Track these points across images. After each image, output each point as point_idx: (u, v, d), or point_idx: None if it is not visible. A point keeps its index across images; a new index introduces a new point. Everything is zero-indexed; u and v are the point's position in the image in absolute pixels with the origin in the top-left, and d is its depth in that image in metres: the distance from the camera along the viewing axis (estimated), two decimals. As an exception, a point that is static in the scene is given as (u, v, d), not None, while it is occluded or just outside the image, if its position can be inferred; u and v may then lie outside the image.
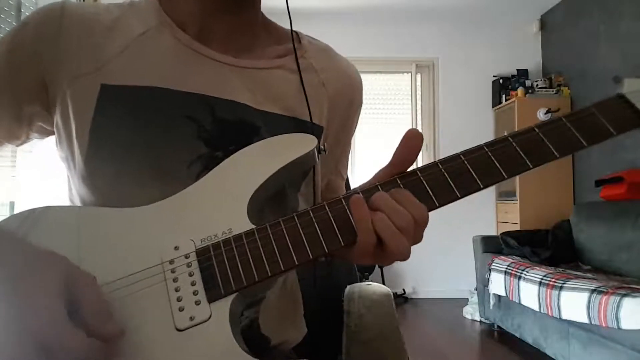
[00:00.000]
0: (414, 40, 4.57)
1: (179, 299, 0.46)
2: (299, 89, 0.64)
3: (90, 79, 0.57)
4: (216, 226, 0.50)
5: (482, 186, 0.50)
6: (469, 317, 3.61)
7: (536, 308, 2.58)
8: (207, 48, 0.61)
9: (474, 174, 0.50)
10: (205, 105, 0.59)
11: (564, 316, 2.35)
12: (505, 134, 0.52)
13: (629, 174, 3.10)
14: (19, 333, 0.38)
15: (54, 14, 0.59)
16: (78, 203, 0.60)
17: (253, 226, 0.50)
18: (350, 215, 0.48)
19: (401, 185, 0.50)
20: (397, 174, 0.51)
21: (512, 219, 3.98)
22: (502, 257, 3.11)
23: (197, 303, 0.46)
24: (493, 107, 4.48)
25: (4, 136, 0.63)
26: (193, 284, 0.47)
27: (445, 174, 0.50)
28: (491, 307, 3.16)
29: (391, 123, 4.58)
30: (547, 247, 3.26)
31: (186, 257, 0.48)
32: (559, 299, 2.38)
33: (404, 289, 4.40)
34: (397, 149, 0.52)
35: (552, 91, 4.10)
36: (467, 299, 3.77)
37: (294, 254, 0.48)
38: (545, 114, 3.85)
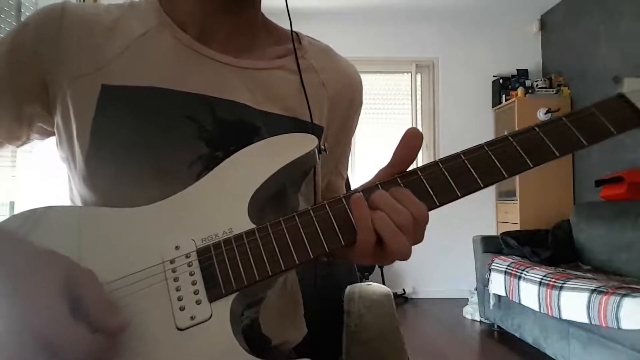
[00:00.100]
0: (414, 40, 4.58)
1: (179, 299, 0.46)
2: (299, 89, 0.64)
3: (90, 79, 0.57)
4: (217, 226, 0.50)
5: (482, 185, 0.50)
6: (469, 317, 3.61)
7: (536, 308, 2.58)
8: (208, 48, 0.62)
9: (474, 173, 0.50)
10: (205, 106, 0.59)
11: (564, 316, 2.35)
12: (506, 133, 0.52)
13: (629, 174, 3.11)
14: (22, 333, 0.38)
15: (55, 14, 0.59)
16: (79, 203, 0.60)
17: (254, 226, 0.50)
18: (350, 215, 0.49)
19: (401, 185, 0.50)
20: (397, 174, 0.51)
21: (512, 219, 3.98)
22: (502, 257, 3.11)
23: (198, 302, 0.46)
24: (493, 107, 4.48)
25: (5, 137, 0.63)
26: (194, 283, 0.47)
27: (445, 173, 0.50)
28: (491, 307, 3.16)
29: (391, 123, 4.58)
30: (547, 247, 3.26)
31: (187, 256, 0.49)
32: (559, 299, 2.38)
33: (404, 289, 4.40)
34: (397, 148, 0.52)
35: (552, 91, 4.10)
36: (467, 299, 3.77)
37: (294, 254, 0.48)
38: (545, 114, 3.85)
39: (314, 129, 0.63)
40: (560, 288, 2.39)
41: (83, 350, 0.38)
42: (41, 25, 0.59)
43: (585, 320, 2.20)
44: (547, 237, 3.37)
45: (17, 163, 1.82)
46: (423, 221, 0.48)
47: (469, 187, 0.50)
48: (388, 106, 4.63)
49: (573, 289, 2.32)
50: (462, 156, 0.51)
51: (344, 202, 0.50)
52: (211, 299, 0.46)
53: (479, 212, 4.26)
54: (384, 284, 2.63)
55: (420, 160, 4.18)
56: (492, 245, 3.32)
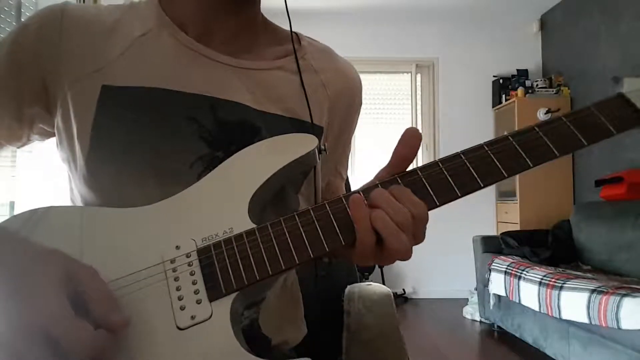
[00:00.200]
0: (414, 40, 4.58)
1: (180, 298, 0.46)
2: (300, 89, 0.65)
3: (91, 80, 0.57)
4: (217, 225, 0.50)
5: (482, 185, 0.50)
6: (469, 317, 3.61)
7: (536, 308, 2.58)
8: (208, 49, 0.62)
9: (474, 172, 0.50)
10: (206, 106, 0.59)
11: (564, 316, 2.35)
12: (505, 133, 0.52)
13: (629, 174, 3.11)
14: (25, 330, 0.38)
15: (55, 15, 0.59)
16: (79, 203, 0.61)
17: (254, 225, 0.50)
18: (350, 214, 0.49)
19: (401, 184, 0.50)
20: (397, 174, 0.51)
21: (512, 219, 3.98)
22: (502, 257, 3.11)
23: (198, 302, 0.46)
24: (493, 107, 4.48)
25: (5, 138, 0.63)
26: (194, 283, 0.47)
27: (445, 172, 0.50)
28: (491, 307, 3.16)
29: (391, 123, 4.58)
30: (547, 247, 3.26)
31: (187, 256, 0.49)
32: (559, 299, 2.38)
33: (404, 289, 4.40)
34: (396, 148, 0.52)
35: (552, 91, 4.10)
36: (467, 299, 3.77)
37: (294, 253, 0.48)
38: (545, 114, 3.85)
39: (314, 130, 0.63)
40: (560, 288, 2.39)
41: (86, 345, 0.38)
42: (41, 27, 0.59)
43: (585, 320, 2.20)
44: (547, 237, 3.37)
45: (17, 163, 1.82)
46: (422, 220, 0.48)
47: (468, 187, 0.50)
48: (388, 106, 4.63)
49: (573, 289, 2.32)
50: (462, 156, 0.51)
51: (344, 202, 0.50)
52: (211, 299, 0.46)
53: (479, 212, 4.26)
54: (384, 284, 2.63)
55: (420, 161, 4.18)
56: (492, 245, 3.32)
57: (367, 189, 0.50)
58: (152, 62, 0.59)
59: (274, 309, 0.65)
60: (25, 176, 1.85)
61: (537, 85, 4.18)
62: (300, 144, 0.55)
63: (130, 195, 0.55)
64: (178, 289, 0.47)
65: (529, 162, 0.50)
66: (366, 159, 4.39)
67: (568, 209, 3.65)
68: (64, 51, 0.58)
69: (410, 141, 0.51)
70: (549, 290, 2.46)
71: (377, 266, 4.12)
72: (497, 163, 0.50)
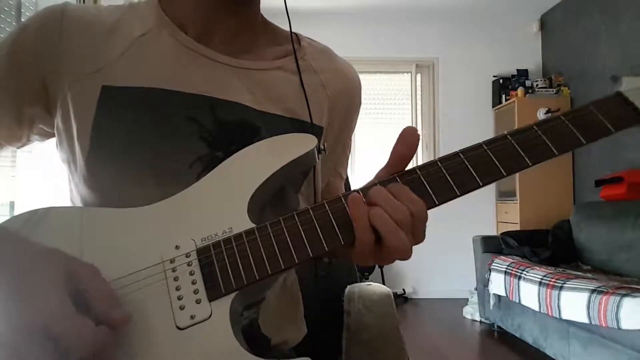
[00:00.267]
0: (414, 40, 4.58)
1: (179, 298, 0.47)
2: (299, 90, 0.65)
3: (91, 80, 0.57)
4: (217, 225, 0.50)
5: (481, 184, 0.50)
6: (469, 317, 3.61)
7: (536, 308, 2.58)
8: (207, 49, 0.62)
9: (473, 171, 0.50)
10: (206, 106, 0.59)
11: (564, 316, 2.35)
12: (504, 132, 0.53)
13: (628, 174, 3.11)
14: (27, 330, 0.38)
15: (55, 16, 0.59)
16: (79, 204, 0.61)
17: (253, 225, 0.50)
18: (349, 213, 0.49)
19: (400, 183, 0.50)
20: (396, 173, 0.51)
21: (512, 219, 3.98)
22: (502, 257, 3.11)
23: (198, 302, 0.46)
24: (493, 107, 4.48)
25: (5, 138, 0.63)
26: (194, 282, 0.47)
27: (444, 171, 0.50)
28: (491, 307, 3.16)
29: (391, 123, 4.58)
30: (547, 247, 3.26)
31: (187, 256, 0.49)
32: (559, 299, 2.38)
33: (404, 289, 4.40)
34: (394, 147, 0.52)
35: (552, 91, 4.10)
36: (467, 299, 3.77)
37: (294, 253, 0.48)
38: (545, 114, 3.85)
39: (314, 130, 0.63)
40: (560, 288, 2.39)
41: (88, 342, 0.38)
42: (41, 27, 0.59)
43: (585, 320, 2.20)
44: (547, 237, 3.37)
45: (17, 163, 1.82)
46: (421, 218, 0.48)
47: (467, 186, 0.50)
48: (388, 106, 4.63)
49: (573, 289, 2.32)
50: (461, 155, 0.51)
51: (343, 201, 0.50)
52: (211, 298, 0.46)
53: (479, 212, 4.26)
54: (384, 284, 2.63)
55: (420, 160, 4.18)
56: (492, 245, 3.32)
57: (366, 188, 0.50)
58: (152, 63, 0.59)
59: (273, 309, 0.65)
60: (25, 176, 1.85)
61: (537, 85, 4.18)
62: (299, 144, 0.55)
63: (130, 195, 0.55)
64: (177, 288, 0.47)
65: (528, 161, 0.50)
66: (366, 159, 4.39)
67: (568, 209, 3.65)
68: (63, 51, 0.58)
69: (408, 140, 0.51)
70: (549, 290, 2.46)
71: (377, 266, 4.12)
72: (496, 162, 0.50)
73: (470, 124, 4.39)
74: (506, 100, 4.27)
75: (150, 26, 0.61)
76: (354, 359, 0.75)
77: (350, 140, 0.76)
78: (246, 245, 0.49)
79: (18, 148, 0.67)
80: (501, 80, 4.40)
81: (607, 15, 3.59)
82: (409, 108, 4.58)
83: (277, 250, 0.48)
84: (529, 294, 2.64)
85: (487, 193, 4.27)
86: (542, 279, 2.56)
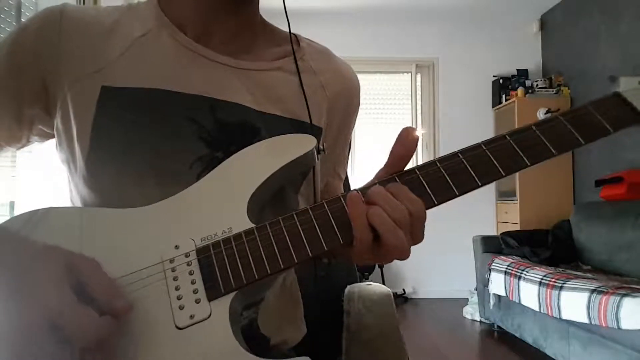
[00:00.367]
0: (414, 40, 4.58)
1: (179, 298, 0.47)
2: (299, 90, 0.65)
3: (90, 81, 0.57)
4: (216, 225, 0.51)
5: (480, 184, 0.50)
6: (469, 317, 3.61)
7: (536, 308, 2.58)
8: (207, 49, 0.62)
9: (471, 171, 0.50)
10: (205, 107, 0.59)
11: (564, 316, 2.35)
12: (503, 132, 0.53)
13: (628, 174, 3.11)
14: (32, 325, 0.38)
15: (54, 17, 0.59)
16: (79, 204, 0.61)
17: (253, 225, 0.50)
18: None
19: (399, 183, 0.50)
20: (395, 173, 0.51)
21: (512, 219, 3.98)
22: (502, 257, 3.11)
23: (197, 301, 0.46)
24: (493, 107, 4.48)
25: (5, 139, 0.63)
26: (193, 282, 0.47)
27: (443, 171, 0.50)
28: (491, 307, 3.16)
29: (391, 123, 4.58)
30: (547, 247, 3.26)
31: (186, 255, 0.49)
32: (559, 299, 2.38)
33: (404, 289, 4.40)
34: (393, 147, 0.52)
35: (552, 91, 4.10)
36: (467, 299, 3.77)
37: (293, 252, 0.48)
38: (545, 114, 3.85)
39: (313, 130, 0.63)
40: (560, 288, 2.39)
41: (92, 331, 0.39)
42: (41, 27, 0.59)
43: (585, 320, 2.20)
44: (547, 237, 3.37)
45: (17, 163, 1.82)
46: (420, 217, 0.48)
47: (466, 186, 0.50)
48: (388, 106, 4.63)
49: (573, 289, 2.32)
50: (460, 155, 0.51)
51: (342, 201, 0.50)
52: (210, 298, 0.47)
53: (479, 212, 4.26)
54: (384, 284, 2.63)
55: (420, 161, 4.18)
56: (492, 245, 3.32)
57: (365, 188, 0.50)
58: (151, 63, 0.59)
59: (273, 309, 0.65)
60: (25, 176, 1.85)
61: (537, 85, 4.18)
62: (298, 144, 0.56)
63: (130, 195, 0.55)
64: (177, 288, 0.47)
65: (527, 161, 0.50)
66: (366, 159, 4.39)
67: (568, 209, 3.65)
68: (63, 52, 0.58)
69: (406, 141, 0.51)
70: (549, 290, 2.46)
71: (377, 266, 4.12)
72: (495, 162, 0.50)
73: (470, 124, 4.39)
74: (506, 100, 4.27)
75: (149, 27, 0.62)
76: (353, 359, 0.75)
77: (349, 140, 0.76)
78: (245, 245, 0.49)
79: (17, 149, 0.67)
80: (501, 80, 4.40)
81: (607, 15, 3.59)
82: (409, 108, 4.58)
83: (276, 250, 0.48)
84: (529, 294, 2.64)
85: (487, 193, 4.27)
86: (542, 279, 2.56)
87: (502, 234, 3.41)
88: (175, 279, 0.48)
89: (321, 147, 0.61)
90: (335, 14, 4.44)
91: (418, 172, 0.51)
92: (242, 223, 0.51)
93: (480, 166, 0.50)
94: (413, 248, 0.49)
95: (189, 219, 0.51)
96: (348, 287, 0.87)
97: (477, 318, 3.50)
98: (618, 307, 2.02)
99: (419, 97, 4.62)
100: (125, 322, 0.44)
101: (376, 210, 0.46)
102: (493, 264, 3.11)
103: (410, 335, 3.15)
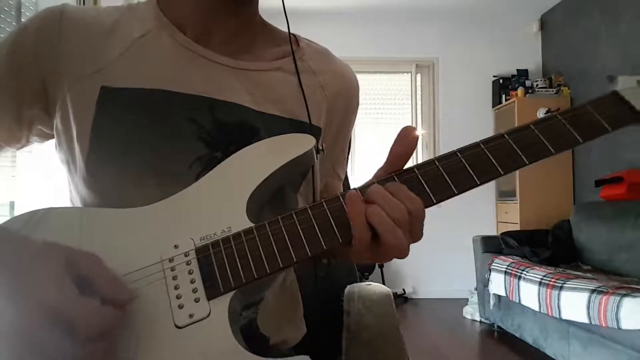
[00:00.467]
0: (414, 40, 4.58)
1: (178, 297, 0.47)
2: (298, 90, 0.65)
3: (90, 81, 0.57)
4: (215, 225, 0.51)
5: (478, 183, 0.50)
6: (469, 317, 3.61)
7: (536, 308, 2.58)
8: (206, 49, 0.62)
9: (470, 170, 0.50)
10: (204, 107, 0.59)
11: (564, 316, 2.35)
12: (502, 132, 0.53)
13: (628, 174, 3.11)
14: (34, 320, 0.38)
15: (54, 17, 0.59)
16: (79, 204, 0.61)
17: (252, 224, 0.50)
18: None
19: (398, 182, 0.50)
20: (394, 172, 0.51)
21: (512, 219, 3.98)
22: (502, 257, 3.11)
23: (197, 300, 0.46)
24: (493, 107, 4.48)
25: (4, 139, 0.63)
26: (192, 281, 0.47)
27: (442, 170, 0.50)
28: (491, 307, 3.16)
29: (391, 123, 4.59)
30: (547, 247, 3.26)
31: (185, 255, 0.49)
32: (559, 299, 2.38)
33: (404, 289, 4.40)
34: (393, 146, 0.52)
35: (552, 91, 4.10)
36: (467, 299, 3.77)
37: (292, 252, 0.48)
38: (545, 114, 3.85)
39: (312, 130, 0.63)
40: (560, 288, 2.39)
41: (97, 322, 0.39)
42: (41, 27, 0.59)
43: (585, 320, 2.20)
44: (547, 237, 3.37)
45: (17, 163, 1.82)
46: (419, 216, 0.48)
47: (465, 185, 0.50)
48: (388, 106, 4.63)
49: (573, 289, 2.32)
50: (459, 154, 0.51)
51: (341, 200, 0.50)
52: (209, 297, 0.47)
53: (479, 212, 4.26)
54: (384, 284, 2.63)
55: (420, 161, 4.18)
56: (492, 245, 3.32)
57: (364, 187, 0.51)
58: (151, 63, 0.60)
59: (272, 309, 0.65)
60: (25, 176, 1.85)
61: (537, 85, 4.18)
62: (298, 144, 0.56)
63: (129, 195, 0.55)
64: (176, 287, 0.47)
65: (525, 160, 0.50)
66: (366, 159, 4.39)
67: (568, 209, 3.65)
68: (63, 52, 0.58)
69: (406, 140, 0.51)
70: (549, 290, 2.46)
71: (377, 266, 4.12)
72: (493, 161, 0.50)
73: (470, 124, 4.39)
74: (506, 100, 4.27)
75: (149, 27, 0.62)
76: (353, 359, 0.75)
77: (348, 141, 0.76)
78: (245, 244, 0.49)
79: (17, 149, 0.67)
80: (501, 80, 4.40)
81: (607, 15, 3.60)
82: (409, 108, 4.58)
83: (275, 249, 0.48)
84: (529, 294, 2.64)
85: (487, 193, 4.28)
86: (542, 279, 2.56)
87: (502, 234, 3.41)
88: (174, 278, 0.48)
89: (320, 147, 0.62)
90: (335, 14, 4.44)
91: (417, 171, 0.51)
92: (242, 222, 0.51)
93: (478, 165, 0.50)
94: (413, 248, 0.49)
95: (189, 219, 0.52)
96: (348, 287, 0.87)
97: (477, 318, 3.50)
98: (618, 307, 2.02)
99: (419, 97, 4.62)
100: (126, 319, 0.44)
101: (375, 210, 0.47)
102: (493, 264, 3.11)
103: (410, 335, 3.15)
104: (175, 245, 0.49)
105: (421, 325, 3.56)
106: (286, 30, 0.70)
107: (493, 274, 3.07)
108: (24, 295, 0.39)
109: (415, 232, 0.48)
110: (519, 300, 2.76)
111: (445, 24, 4.56)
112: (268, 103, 0.63)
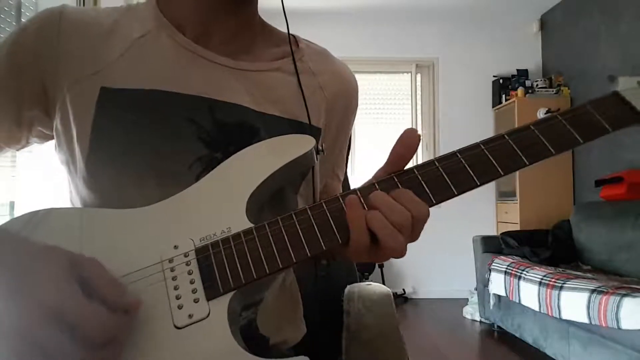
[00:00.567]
0: (414, 40, 4.58)
1: (177, 297, 0.47)
2: (297, 91, 0.65)
3: (90, 82, 0.57)
4: (215, 225, 0.51)
5: (478, 183, 0.50)
6: (469, 317, 3.61)
7: (536, 308, 2.58)
8: (206, 50, 0.62)
9: (470, 171, 0.50)
10: (204, 107, 0.59)
11: (564, 316, 2.35)
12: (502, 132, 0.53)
13: (628, 174, 3.11)
14: (40, 319, 0.38)
15: (53, 18, 0.59)
16: (79, 205, 0.61)
17: (251, 225, 0.50)
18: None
19: (398, 183, 0.50)
20: (394, 173, 0.51)
21: (512, 219, 3.98)
22: (502, 257, 3.11)
23: (196, 301, 0.46)
24: (493, 107, 4.48)
25: (4, 140, 0.63)
26: (192, 282, 0.47)
27: (441, 171, 0.50)
28: (491, 307, 3.16)
29: (391, 123, 4.58)
30: (547, 247, 3.26)
31: (185, 255, 0.49)
32: (559, 299, 2.38)
33: (404, 289, 4.40)
34: (394, 147, 0.52)
35: (552, 91, 4.10)
36: (467, 299, 3.77)
37: (292, 252, 0.48)
38: (545, 114, 3.85)
39: (312, 131, 0.64)
40: (560, 288, 2.39)
41: (102, 326, 0.39)
42: (40, 28, 0.59)
43: (585, 320, 2.20)
44: (547, 237, 3.37)
45: (17, 163, 1.82)
46: (423, 219, 0.48)
47: (465, 185, 0.50)
48: (388, 106, 4.63)
49: (573, 289, 2.32)
50: (458, 155, 0.51)
51: (341, 201, 0.50)
52: (209, 298, 0.47)
53: (479, 212, 4.26)
54: (384, 284, 2.63)
55: (420, 161, 4.18)
56: (492, 245, 3.32)
57: (364, 188, 0.51)
58: (151, 64, 0.60)
59: (272, 309, 0.65)
60: (25, 176, 1.85)
61: (537, 85, 4.18)
62: (297, 145, 0.56)
63: (130, 196, 0.55)
64: (176, 288, 0.47)
65: (525, 160, 0.50)
66: (366, 159, 4.39)
67: (568, 209, 3.65)
68: (62, 53, 0.58)
69: (408, 141, 0.51)
70: (549, 290, 2.46)
71: (377, 266, 4.12)
72: (494, 161, 0.50)
73: (470, 124, 4.39)
74: (506, 100, 4.27)
75: (148, 28, 0.62)
76: (353, 359, 0.75)
77: (348, 141, 0.76)
78: (244, 244, 0.49)
79: (17, 150, 0.67)
80: (501, 80, 4.40)
81: (607, 15, 3.59)
82: (408, 108, 4.58)
83: (275, 250, 0.48)
84: (529, 294, 2.64)
85: (487, 193, 4.28)
86: (542, 279, 2.56)
87: (502, 234, 3.41)
88: (174, 278, 0.48)
89: (320, 147, 0.61)
90: (335, 14, 4.44)
91: (417, 172, 0.51)
92: (241, 223, 0.51)
93: (478, 165, 0.50)
94: (413, 248, 0.49)
95: (188, 219, 0.52)
96: (348, 287, 0.87)
97: (477, 318, 3.50)
98: (618, 307, 2.02)
99: (419, 97, 4.62)
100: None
101: (376, 215, 0.47)
102: (493, 264, 3.11)
103: (410, 335, 3.15)
104: (175, 246, 0.49)
105: (421, 325, 3.56)
106: (285, 31, 0.70)
107: (493, 274, 3.07)
108: (25, 296, 0.39)
109: (414, 235, 0.49)
110: (519, 300, 2.76)
111: (445, 24, 4.56)
112: (268, 103, 0.63)
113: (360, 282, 0.92)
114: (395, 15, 4.49)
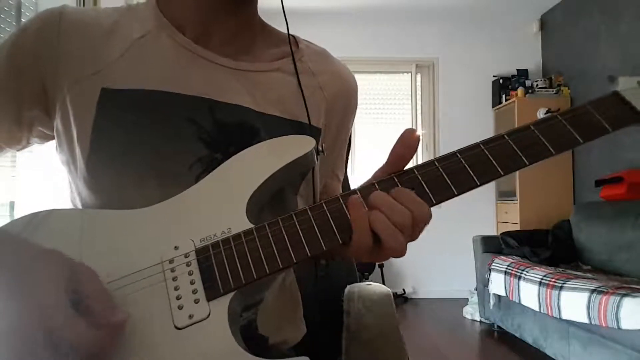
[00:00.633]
0: (414, 40, 4.58)
1: (178, 298, 0.47)
2: (297, 91, 0.65)
3: (90, 82, 0.57)
4: (215, 226, 0.51)
5: (478, 183, 0.50)
6: (469, 317, 3.61)
7: (536, 308, 2.58)
8: (206, 50, 0.62)
9: (470, 171, 0.50)
10: (205, 108, 0.59)
11: (564, 316, 2.35)
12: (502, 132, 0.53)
13: (628, 174, 3.11)
14: (26, 327, 0.38)
15: (53, 18, 0.59)
16: (79, 205, 0.61)
17: (252, 225, 0.50)
18: (347, 214, 0.49)
19: (398, 183, 0.50)
20: (394, 173, 0.51)
21: (512, 219, 3.98)
22: (502, 257, 3.11)
23: (196, 301, 0.46)
24: (493, 107, 4.48)
25: (5, 141, 0.63)
26: (192, 282, 0.47)
27: (441, 171, 0.50)
28: (491, 307, 3.16)
29: (391, 123, 4.58)
30: (547, 247, 3.26)
31: (185, 256, 0.49)
32: (559, 299, 2.38)
33: (404, 289, 4.40)
34: (394, 147, 0.52)
35: (552, 91, 4.10)
36: (467, 299, 3.77)
37: (292, 252, 0.48)
38: (545, 114, 3.85)
39: (312, 131, 0.64)
40: (560, 288, 2.39)
41: (87, 343, 0.39)
42: (40, 28, 0.59)
43: (585, 320, 2.20)
44: (547, 237, 3.37)
45: (17, 163, 1.82)
46: (424, 220, 0.48)
47: (465, 185, 0.50)
48: (388, 106, 4.63)
49: (573, 289, 2.32)
50: (458, 155, 0.51)
51: (341, 202, 0.50)
52: (209, 298, 0.47)
53: (479, 212, 4.26)
54: (384, 284, 2.63)
55: (420, 161, 4.18)
56: (492, 245, 3.32)
57: (364, 188, 0.51)
58: (151, 64, 0.60)
59: (272, 309, 0.65)
60: (25, 176, 1.85)
61: (537, 85, 4.18)
62: (298, 146, 0.56)
63: (130, 196, 0.56)
64: (176, 288, 0.47)
65: (525, 161, 0.50)
66: (366, 159, 4.39)
67: (568, 209, 3.65)
68: (62, 53, 0.58)
69: (408, 141, 0.51)
70: (549, 290, 2.46)
71: (377, 266, 4.12)
72: (493, 161, 0.50)
73: (470, 124, 4.39)
74: (506, 100, 4.27)
75: (149, 28, 0.62)
76: (353, 359, 0.75)
77: (347, 142, 0.76)
78: (245, 245, 0.49)
79: (18, 150, 0.67)
80: (501, 80, 4.40)
81: (607, 15, 3.59)
82: (408, 108, 4.58)
83: (275, 250, 0.48)
84: (529, 294, 2.64)
85: (487, 193, 4.28)
86: (542, 279, 2.56)
87: (502, 234, 3.41)
88: (174, 279, 0.48)
89: (320, 148, 0.62)
90: (335, 14, 4.44)
91: (417, 172, 0.51)
92: (241, 224, 0.51)
93: (478, 165, 0.50)
94: (413, 248, 0.49)
95: (189, 220, 0.52)
96: (348, 287, 0.87)
97: (477, 318, 3.50)
98: (618, 307, 2.02)
99: (419, 97, 4.62)
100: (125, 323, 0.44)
101: (378, 216, 0.47)
102: (493, 264, 3.11)
103: (410, 335, 3.15)
104: (176, 247, 0.49)
105: (421, 325, 3.56)
106: (285, 31, 0.70)
107: (493, 274, 3.07)
108: (18, 304, 0.39)
109: (414, 235, 0.49)
110: (519, 300, 2.76)
111: (445, 24, 4.56)
112: (268, 104, 0.63)
113: (360, 282, 0.92)
114: (395, 15, 4.49)
